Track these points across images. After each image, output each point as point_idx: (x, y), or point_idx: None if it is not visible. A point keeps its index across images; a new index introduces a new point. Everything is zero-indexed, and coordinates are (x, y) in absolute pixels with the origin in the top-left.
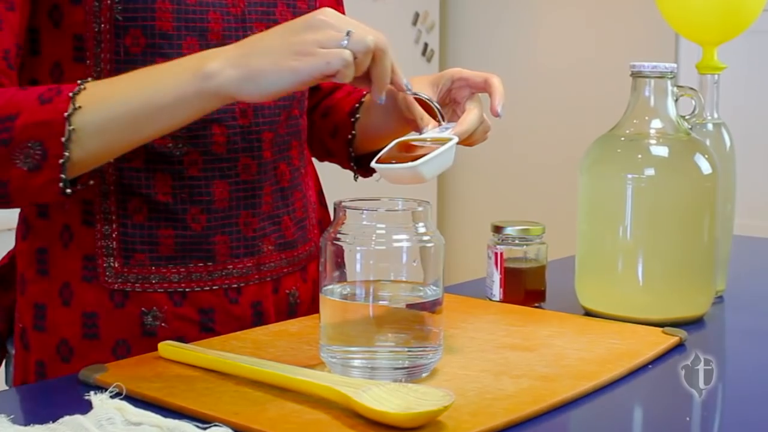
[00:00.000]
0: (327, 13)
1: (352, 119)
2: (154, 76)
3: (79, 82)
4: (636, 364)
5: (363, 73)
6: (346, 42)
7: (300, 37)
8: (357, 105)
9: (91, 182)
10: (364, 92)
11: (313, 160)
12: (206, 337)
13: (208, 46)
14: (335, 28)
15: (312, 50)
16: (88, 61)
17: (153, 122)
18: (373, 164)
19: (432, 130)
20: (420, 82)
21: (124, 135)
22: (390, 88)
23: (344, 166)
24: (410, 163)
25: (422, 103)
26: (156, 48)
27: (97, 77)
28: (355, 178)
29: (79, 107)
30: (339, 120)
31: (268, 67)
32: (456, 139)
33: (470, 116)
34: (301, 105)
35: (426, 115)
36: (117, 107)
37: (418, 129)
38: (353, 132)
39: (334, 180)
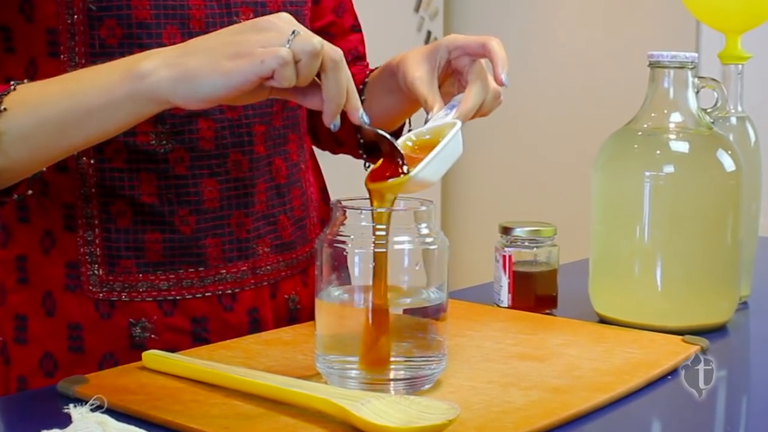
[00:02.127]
0: (280, 16)
1: None
2: (85, 77)
3: (12, 83)
4: (654, 375)
5: (310, 85)
6: (288, 42)
7: (242, 37)
8: (361, 86)
9: (30, 192)
10: (368, 71)
11: (317, 152)
12: None
13: (190, 35)
14: (281, 29)
15: (250, 51)
16: (62, 56)
17: (81, 128)
18: (366, 184)
19: (436, 115)
20: (414, 58)
21: (51, 141)
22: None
23: (354, 155)
24: (402, 177)
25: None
26: (133, 38)
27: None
28: (366, 167)
29: (4, 110)
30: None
31: (204, 68)
32: (458, 125)
33: (472, 92)
34: None
35: (431, 95)
36: (43, 111)
37: (426, 110)
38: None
39: (339, 175)
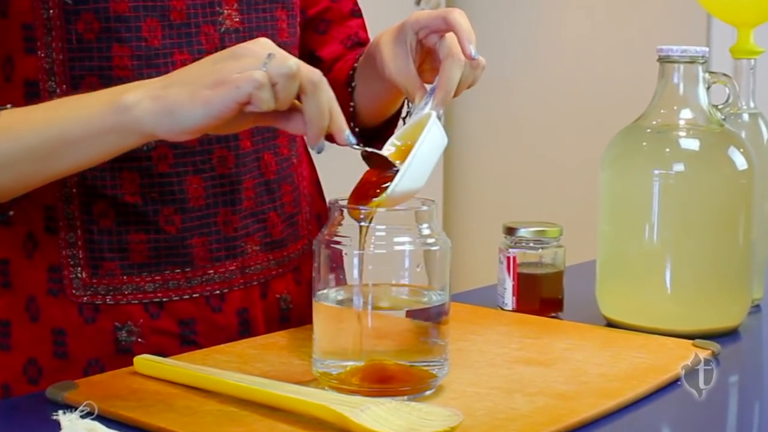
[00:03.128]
0: (258, 42)
1: (349, 89)
2: (68, 107)
3: None
4: (664, 381)
5: (292, 109)
6: (264, 65)
7: (220, 65)
8: (351, 72)
9: (11, 213)
10: (358, 55)
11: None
12: (188, 352)
13: (171, 28)
14: (257, 54)
15: (227, 78)
16: (39, 52)
17: (64, 157)
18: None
19: (418, 106)
20: (387, 45)
21: (34, 168)
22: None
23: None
24: (378, 199)
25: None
26: (112, 32)
27: (50, 68)
28: (363, 156)
29: None
30: (338, 93)
31: (184, 99)
32: (432, 117)
33: (445, 73)
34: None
35: (410, 84)
36: (27, 138)
37: (410, 101)
38: (352, 104)
39: (333, 168)
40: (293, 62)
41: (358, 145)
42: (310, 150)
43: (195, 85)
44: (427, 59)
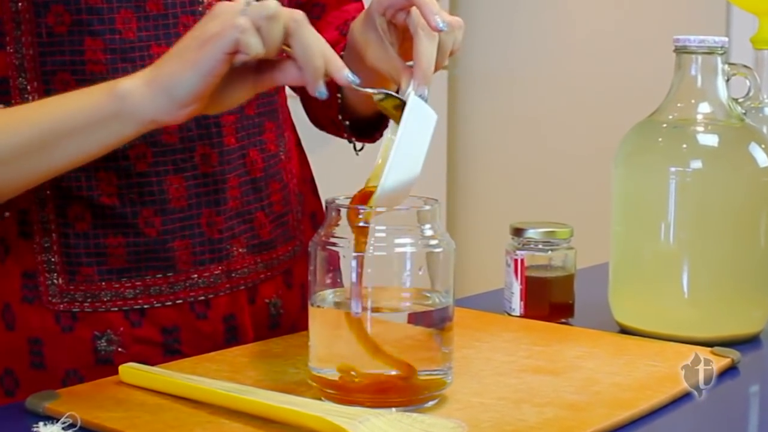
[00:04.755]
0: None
1: None
2: (67, 99)
3: None
4: (680, 391)
5: (285, 60)
6: (244, 13)
7: (201, 29)
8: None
9: (7, 214)
10: (344, 43)
11: (303, 142)
12: (172, 361)
13: (147, 19)
14: (234, 7)
15: (210, 35)
16: (8, 47)
17: (63, 149)
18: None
19: (406, 88)
20: (360, 35)
21: (32, 164)
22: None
23: (344, 137)
24: (373, 198)
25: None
26: (84, 25)
27: (20, 64)
28: (356, 150)
29: None
30: (326, 83)
31: (175, 69)
32: (411, 96)
33: (419, 49)
34: None
35: (393, 71)
36: (24, 132)
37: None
38: (339, 95)
39: (328, 166)
40: (273, 3)
41: (360, 85)
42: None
43: (183, 53)
44: (405, 38)
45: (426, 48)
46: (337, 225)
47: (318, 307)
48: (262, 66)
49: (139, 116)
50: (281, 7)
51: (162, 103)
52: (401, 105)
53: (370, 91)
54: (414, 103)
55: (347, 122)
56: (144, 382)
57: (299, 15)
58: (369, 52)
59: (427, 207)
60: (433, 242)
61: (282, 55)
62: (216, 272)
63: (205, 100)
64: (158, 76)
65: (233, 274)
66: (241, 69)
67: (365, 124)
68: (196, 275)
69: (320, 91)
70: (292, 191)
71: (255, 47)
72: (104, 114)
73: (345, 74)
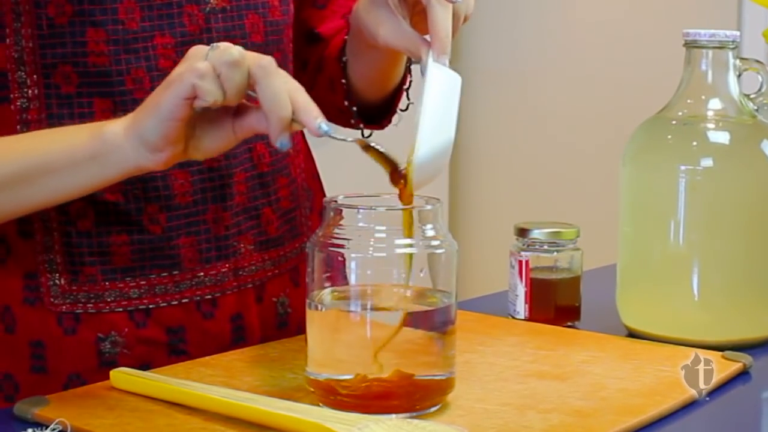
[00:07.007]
0: (211, 43)
1: (340, 63)
2: (52, 135)
3: None
4: (690, 397)
5: (254, 107)
6: (206, 57)
7: (173, 73)
8: (342, 45)
9: None
10: (351, 22)
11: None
12: (177, 362)
13: (150, 8)
14: (202, 49)
15: (172, 79)
16: (8, 40)
17: (44, 186)
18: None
19: (426, 60)
20: (366, 12)
21: (10, 198)
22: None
23: (351, 126)
24: (406, 175)
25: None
26: (85, 16)
27: (19, 57)
28: (364, 136)
29: None
30: (332, 69)
31: (145, 113)
32: (431, 60)
33: (433, 19)
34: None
35: (410, 44)
36: (5, 166)
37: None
38: (344, 81)
39: (334, 166)
40: (236, 50)
41: (334, 135)
42: (307, 139)
43: (152, 97)
44: (414, 11)
45: (441, 17)
46: (336, 225)
47: (316, 309)
48: (241, 112)
49: (119, 161)
50: (246, 52)
51: (137, 147)
52: (382, 154)
53: (347, 140)
54: (435, 69)
55: (354, 108)
56: (136, 388)
57: (266, 61)
58: (381, 30)
59: (429, 206)
60: (435, 243)
61: (256, 102)
62: (223, 270)
63: (178, 144)
64: (134, 120)
65: (240, 272)
66: (218, 114)
67: (374, 110)
68: (202, 273)
69: (282, 142)
70: (300, 186)
71: (212, 94)
72: (84, 154)
73: (318, 124)
